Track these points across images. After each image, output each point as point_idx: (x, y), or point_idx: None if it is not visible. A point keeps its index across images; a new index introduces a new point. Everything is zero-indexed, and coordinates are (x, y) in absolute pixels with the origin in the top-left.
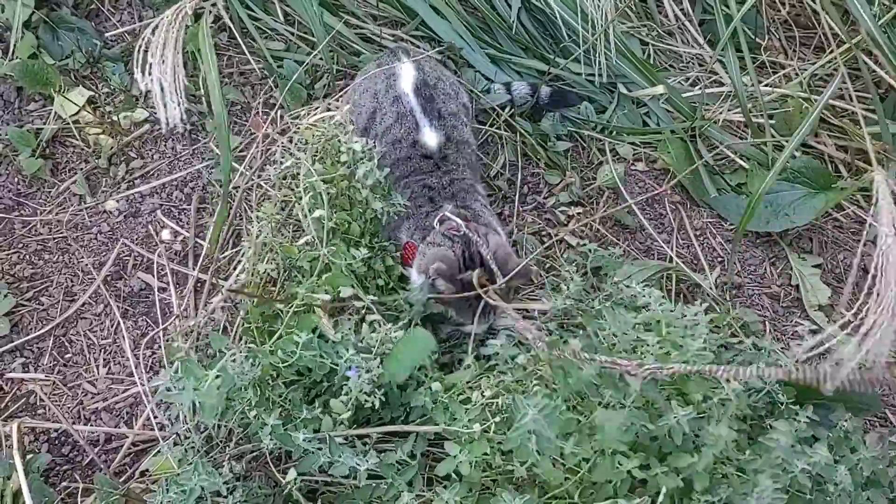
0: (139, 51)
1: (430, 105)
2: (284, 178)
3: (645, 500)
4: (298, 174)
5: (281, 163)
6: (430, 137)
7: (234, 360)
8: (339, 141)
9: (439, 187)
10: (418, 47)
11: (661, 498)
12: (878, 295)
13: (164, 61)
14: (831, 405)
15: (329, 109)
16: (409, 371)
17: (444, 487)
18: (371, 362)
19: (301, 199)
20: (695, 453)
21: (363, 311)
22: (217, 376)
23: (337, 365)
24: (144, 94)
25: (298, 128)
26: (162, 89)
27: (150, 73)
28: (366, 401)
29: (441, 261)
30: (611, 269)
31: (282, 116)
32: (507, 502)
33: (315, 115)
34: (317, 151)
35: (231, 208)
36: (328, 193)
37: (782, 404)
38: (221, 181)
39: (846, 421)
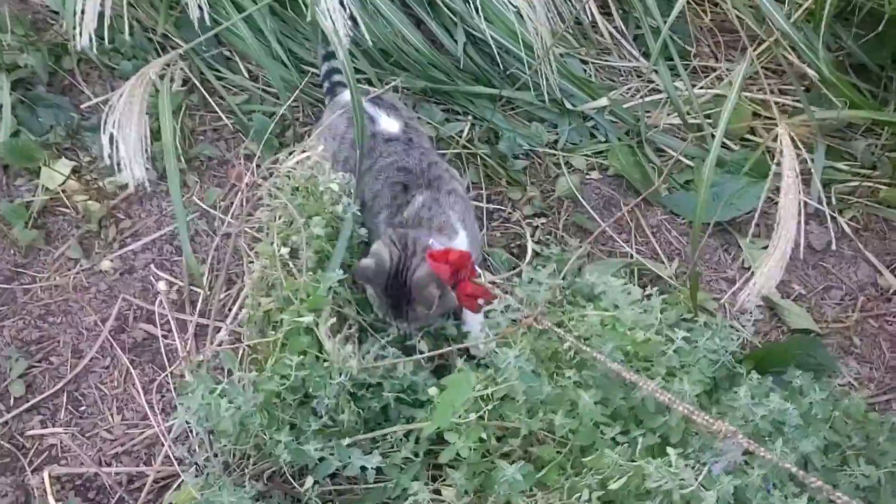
0: (105, 121)
1: (381, 102)
2: (274, 219)
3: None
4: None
5: (268, 205)
6: (389, 123)
7: (241, 384)
8: (318, 181)
9: (417, 171)
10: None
11: (638, 448)
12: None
13: (128, 128)
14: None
15: (304, 151)
16: (450, 417)
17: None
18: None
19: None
20: (666, 412)
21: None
22: (226, 396)
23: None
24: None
25: (278, 172)
26: (120, 153)
27: (113, 144)
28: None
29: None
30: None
31: (258, 165)
32: (507, 472)
33: (293, 158)
34: (299, 190)
35: (224, 254)
36: (312, 226)
37: (738, 372)
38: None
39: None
